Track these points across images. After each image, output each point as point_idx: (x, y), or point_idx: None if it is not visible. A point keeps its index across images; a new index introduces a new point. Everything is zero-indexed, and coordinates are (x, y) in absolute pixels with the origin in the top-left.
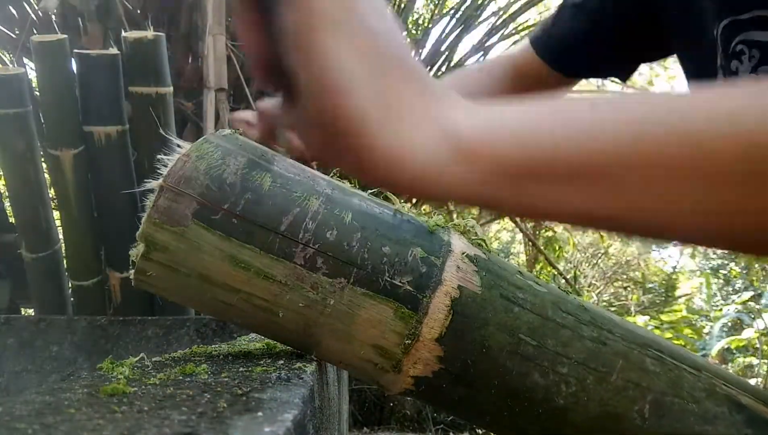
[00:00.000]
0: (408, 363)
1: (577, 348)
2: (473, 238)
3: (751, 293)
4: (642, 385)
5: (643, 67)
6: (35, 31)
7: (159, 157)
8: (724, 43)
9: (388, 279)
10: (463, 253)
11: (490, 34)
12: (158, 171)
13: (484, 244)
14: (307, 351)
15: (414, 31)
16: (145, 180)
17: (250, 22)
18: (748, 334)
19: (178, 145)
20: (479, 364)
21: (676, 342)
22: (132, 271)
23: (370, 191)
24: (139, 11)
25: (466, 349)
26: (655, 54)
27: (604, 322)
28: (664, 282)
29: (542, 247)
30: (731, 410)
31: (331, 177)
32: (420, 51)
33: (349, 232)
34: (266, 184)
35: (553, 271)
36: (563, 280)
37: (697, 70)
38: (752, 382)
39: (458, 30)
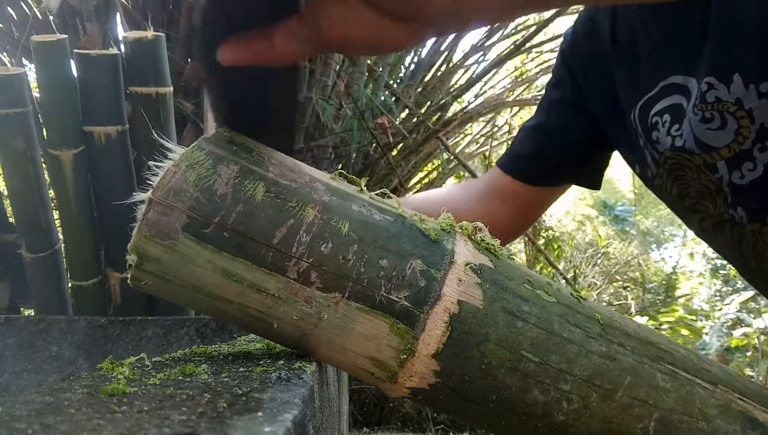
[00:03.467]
0: (404, 375)
1: (582, 364)
2: (481, 241)
3: (751, 293)
4: (649, 403)
5: None
6: (34, 32)
7: (150, 163)
8: (642, 123)
9: (385, 294)
10: (466, 264)
11: (489, 34)
12: (148, 181)
13: (493, 248)
14: (306, 355)
15: None
16: (134, 193)
17: None
18: (748, 331)
19: (169, 150)
20: (477, 379)
21: None
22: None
23: (375, 193)
24: (138, 13)
25: (464, 366)
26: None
27: (616, 334)
28: (664, 282)
29: (542, 247)
30: (744, 428)
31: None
32: (420, 51)
33: (345, 245)
34: (259, 195)
35: (553, 271)
36: (563, 280)
37: (633, 156)
38: None
39: None
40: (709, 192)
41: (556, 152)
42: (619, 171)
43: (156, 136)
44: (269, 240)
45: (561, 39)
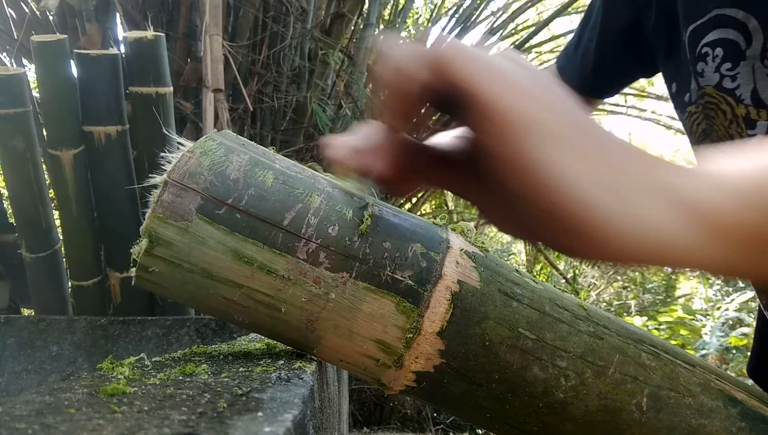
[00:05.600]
0: (410, 358)
1: (574, 342)
2: (471, 239)
3: (751, 293)
4: (639, 379)
5: None
6: (33, 32)
7: (162, 154)
8: (692, 48)
9: (390, 273)
10: (461, 250)
11: (489, 34)
12: (162, 167)
13: (482, 245)
14: (308, 350)
15: (413, 32)
16: (150, 175)
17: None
18: (748, 331)
19: (181, 144)
20: (480, 357)
21: (673, 342)
22: (133, 270)
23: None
24: (138, 13)
25: (467, 343)
26: (650, 71)
27: (600, 318)
28: (664, 282)
29: (542, 247)
30: (726, 404)
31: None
32: None
33: (350, 228)
34: (269, 181)
35: (553, 271)
36: (563, 280)
37: (675, 77)
38: (751, 381)
39: (457, 30)
40: (731, 142)
41: (611, 68)
42: None
43: (166, 132)
44: (279, 221)
45: (560, 39)
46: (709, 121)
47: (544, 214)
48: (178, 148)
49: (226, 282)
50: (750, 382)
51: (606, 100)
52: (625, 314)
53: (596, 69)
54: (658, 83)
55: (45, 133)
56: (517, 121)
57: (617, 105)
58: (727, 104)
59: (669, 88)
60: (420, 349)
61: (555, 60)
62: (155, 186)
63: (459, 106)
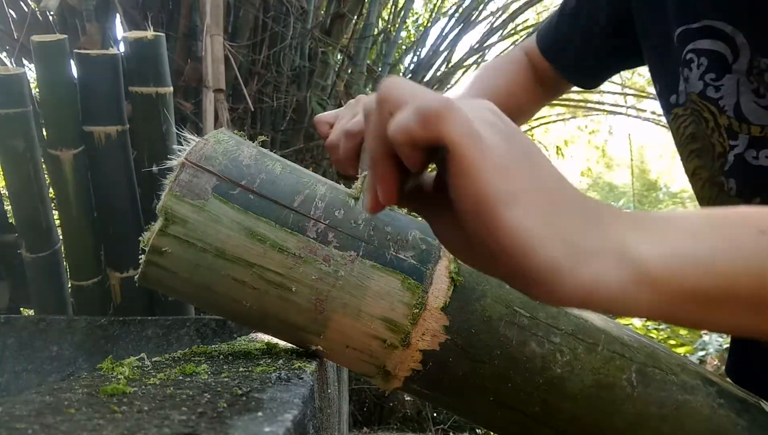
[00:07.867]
0: (416, 335)
1: (564, 321)
2: None
3: None
4: (626, 356)
5: (644, 69)
6: (33, 32)
7: (175, 146)
8: (679, 50)
9: (394, 253)
10: None
11: (488, 34)
12: (178, 152)
13: None
14: (314, 337)
15: (412, 32)
16: (169, 156)
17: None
18: None
19: (190, 139)
20: (482, 333)
21: (672, 343)
22: (133, 271)
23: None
24: (138, 13)
25: (469, 319)
26: (632, 63)
27: None
28: None
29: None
30: (704, 383)
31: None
32: (419, 51)
33: (354, 213)
34: (278, 169)
35: None
36: None
37: (662, 76)
38: None
39: (457, 30)
40: (713, 150)
41: (599, 55)
42: (620, 175)
43: (177, 130)
44: (290, 203)
45: None
46: (697, 126)
47: (505, 266)
48: (190, 141)
49: (238, 261)
50: None
51: (606, 100)
52: None
53: (583, 59)
54: None
55: (45, 133)
56: (494, 195)
57: (617, 105)
58: (709, 113)
59: (655, 86)
60: (426, 325)
61: (535, 39)
62: (169, 170)
63: (438, 157)
